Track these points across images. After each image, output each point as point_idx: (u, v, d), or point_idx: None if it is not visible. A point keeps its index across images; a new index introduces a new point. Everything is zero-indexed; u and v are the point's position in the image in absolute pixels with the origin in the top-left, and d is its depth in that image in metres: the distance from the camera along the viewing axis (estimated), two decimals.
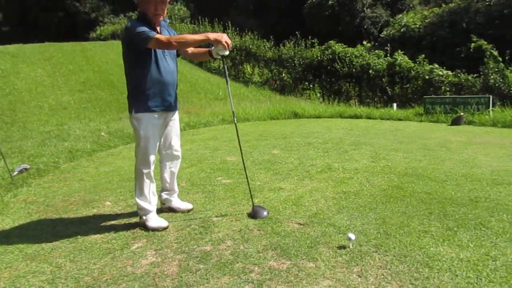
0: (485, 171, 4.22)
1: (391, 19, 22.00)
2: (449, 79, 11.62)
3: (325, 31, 23.49)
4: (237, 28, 17.96)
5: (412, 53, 15.26)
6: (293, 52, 15.51)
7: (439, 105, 9.30)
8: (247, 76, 17.13)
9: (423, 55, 12.73)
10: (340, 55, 14.36)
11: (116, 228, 3.16)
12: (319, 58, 14.86)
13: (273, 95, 14.43)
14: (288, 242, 2.73)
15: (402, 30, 19.26)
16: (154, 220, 3.11)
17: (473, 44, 11.48)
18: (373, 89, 13.94)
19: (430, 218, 3.01)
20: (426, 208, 3.22)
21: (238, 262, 2.51)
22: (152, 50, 2.91)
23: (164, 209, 3.46)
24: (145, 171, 3.05)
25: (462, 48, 14.92)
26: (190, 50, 3.28)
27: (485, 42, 10.78)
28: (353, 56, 14.22)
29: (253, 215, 3.22)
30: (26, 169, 5.20)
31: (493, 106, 9.10)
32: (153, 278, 2.40)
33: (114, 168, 5.29)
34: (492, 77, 10.38)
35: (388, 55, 13.73)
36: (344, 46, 14.78)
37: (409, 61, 12.78)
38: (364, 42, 17.37)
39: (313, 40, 15.71)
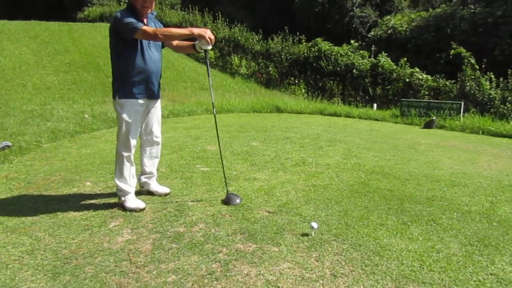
0: (445, 173, 4.53)
1: (379, 20, 22.29)
2: (428, 83, 12.00)
3: (314, 27, 23.67)
4: (227, 19, 17.93)
5: (397, 55, 15.57)
6: (280, 47, 15.63)
7: (414, 108, 9.64)
8: (234, 67, 17.19)
9: (405, 58, 13.05)
10: (326, 53, 14.56)
11: (95, 207, 3.33)
12: (305, 54, 15.04)
13: (259, 88, 14.58)
14: (256, 227, 2.96)
15: (389, 31, 19.56)
16: (132, 201, 3.28)
17: (452, 51, 11.84)
18: (356, 88, 14.23)
19: (388, 213, 3.28)
20: (386, 204, 3.48)
21: (208, 243, 2.72)
22: (138, 40, 3.06)
23: (143, 192, 3.63)
24: (125, 154, 3.21)
25: (443, 54, 15.30)
26: (175, 42, 3.44)
27: (464, 50, 11.14)
28: (339, 54, 14.44)
29: (227, 201, 3.43)
30: (8, 146, 5.26)
31: (466, 112, 9.51)
32: (127, 254, 2.59)
33: (96, 150, 5.40)
34: (468, 84, 10.77)
35: (372, 56, 14.02)
36: (330, 44, 14.97)
37: (391, 63, 13.09)
38: (352, 41, 17.62)
39: (300, 36, 15.87)
